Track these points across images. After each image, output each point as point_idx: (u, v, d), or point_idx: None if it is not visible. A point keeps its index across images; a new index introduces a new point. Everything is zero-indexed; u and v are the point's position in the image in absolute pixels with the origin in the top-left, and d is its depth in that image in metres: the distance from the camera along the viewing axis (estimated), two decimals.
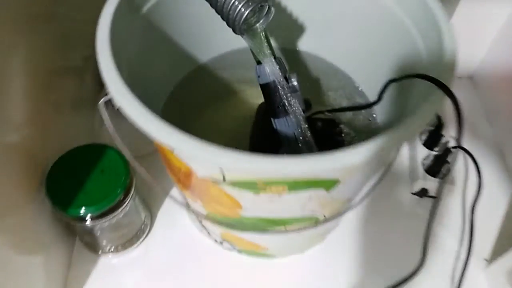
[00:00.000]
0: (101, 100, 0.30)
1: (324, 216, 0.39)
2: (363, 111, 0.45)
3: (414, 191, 0.54)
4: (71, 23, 0.51)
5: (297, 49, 0.51)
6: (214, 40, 0.49)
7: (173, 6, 0.41)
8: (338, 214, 0.41)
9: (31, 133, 0.41)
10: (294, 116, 0.39)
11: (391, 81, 0.35)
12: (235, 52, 0.51)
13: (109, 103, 0.31)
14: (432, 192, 0.53)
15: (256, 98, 0.50)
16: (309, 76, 0.51)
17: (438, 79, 0.30)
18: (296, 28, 0.49)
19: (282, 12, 0.47)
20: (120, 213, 0.42)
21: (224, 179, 0.31)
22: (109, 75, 0.30)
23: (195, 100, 0.49)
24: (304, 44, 0.51)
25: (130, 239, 0.47)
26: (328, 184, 0.32)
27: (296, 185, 0.31)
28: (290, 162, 0.26)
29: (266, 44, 0.37)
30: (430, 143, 0.55)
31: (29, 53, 0.41)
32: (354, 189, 0.38)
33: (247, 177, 0.30)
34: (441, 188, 0.37)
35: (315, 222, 0.40)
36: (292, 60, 0.51)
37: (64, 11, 0.48)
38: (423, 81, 0.33)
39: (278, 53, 0.48)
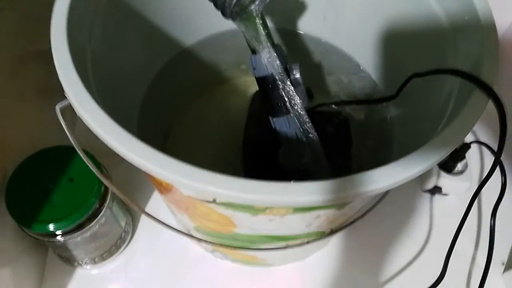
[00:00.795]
0: (58, 106, 0.23)
1: (331, 229, 0.34)
2: (375, 106, 0.39)
3: (426, 189, 0.49)
4: (38, 4, 0.43)
5: (298, 31, 0.45)
6: (197, 21, 0.42)
7: None
8: (345, 226, 0.35)
9: None
10: (296, 115, 0.33)
11: (416, 75, 0.29)
12: (223, 34, 0.44)
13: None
14: (445, 189, 0.48)
15: (250, 86, 0.44)
16: (311, 62, 0.45)
17: (480, 78, 0.24)
18: (296, 7, 0.43)
19: None
20: (94, 225, 0.36)
21: (214, 201, 0.25)
22: (66, 76, 0.23)
23: (179, 91, 0.43)
24: (306, 25, 0.44)
25: (108, 249, 0.42)
26: (340, 205, 0.27)
27: (302, 208, 0.26)
28: (298, 192, 0.20)
29: (262, 30, 0.30)
30: None
31: None
32: (368, 202, 0.33)
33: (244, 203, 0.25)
34: (469, 206, 0.32)
35: (320, 235, 0.34)
36: (291, 43, 0.45)
37: None
38: (454, 80, 0.27)
39: (275, 36, 0.42)
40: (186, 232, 0.36)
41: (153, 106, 0.40)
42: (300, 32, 0.45)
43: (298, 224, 0.29)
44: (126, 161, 0.21)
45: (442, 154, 0.22)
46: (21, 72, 0.42)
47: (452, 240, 0.34)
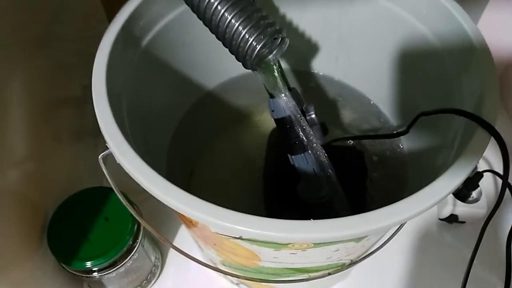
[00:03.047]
0: (100, 155, 0.26)
1: (351, 261, 0.36)
2: (388, 141, 0.41)
3: (442, 217, 0.50)
4: (68, 51, 0.47)
5: (311, 71, 0.48)
6: (218, 66, 0.45)
7: (174, 36, 0.38)
8: (365, 257, 0.37)
9: (30, 173, 0.38)
10: (313, 152, 0.36)
11: (423, 114, 0.31)
12: (242, 77, 0.47)
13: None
14: (461, 217, 0.49)
15: (267, 123, 0.47)
16: (325, 99, 0.47)
17: (480, 116, 0.27)
18: (309, 49, 0.46)
19: (294, 32, 0.43)
20: (128, 261, 0.39)
21: (241, 237, 0.28)
22: (108, 129, 0.26)
23: (203, 131, 0.46)
24: (318, 65, 0.47)
25: (140, 283, 0.44)
26: (358, 238, 0.29)
27: (322, 243, 0.28)
28: (318, 230, 0.23)
29: (280, 77, 0.33)
30: None
31: (25, 83, 0.38)
32: (385, 234, 0.35)
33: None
34: (481, 235, 0.33)
35: (341, 267, 0.36)
36: (305, 82, 0.48)
37: (60, 38, 0.45)
38: (461, 120, 0.29)
39: (290, 77, 0.44)
40: (213, 266, 0.38)
41: (180, 147, 0.43)
42: (314, 72, 0.48)
43: (319, 257, 0.31)
44: (154, 198, 0.24)
45: (450, 190, 0.24)
46: (56, 116, 0.46)
47: (468, 267, 0.35)
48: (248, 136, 0.48)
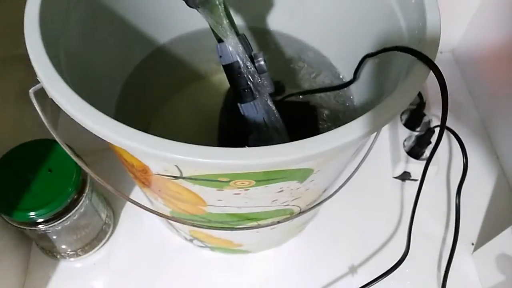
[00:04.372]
0: (31, 89, 0.25)
1: (299, 208, 0.36)
2: (339, 93, 0.41)
3: (396, 175, 0.51)
4: (15, 7, 0.45)
5: (266, 28, 0.47)
6: (170, 19, 0.44)
7: None
8: (314, 206, 0.37)
9: None
10: (262, 100, 0.35)
11: (368, 56, 0.31)
12: (198, 32, 0.46)
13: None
14: (414, 175, 0.50)
15: (225, 82, 0.46)
16: (281, 57, 0.47)
17: (420, 51, 0.27)
18: (264, 4, 0.45)
19: None
20: (74, 214, 0.38)
21: (181, 175, 0.27)
22: (38, 60, 0.25)
23: (155, 89, 0.44)
24: (274, 23, 0.47)
25: (90, 241, 0.43)
26: (301, 175, 0.29)
27: (264, 179, 0.28)
28: (250, 155, 0.22)
29: (226, 18, 0.32)
30: (411, 124, 0.51)
31: None
32: (331, 178, 0.35)
33: (207, 172, 0.26)
34: (425, 171, 0.34)
35: (290, 214, 0.36)
36: (261, 40, 0.47)
37: None
38: (403, 58, 0.29)
39: (246, 34, 0.44)
40: (165, 214, 0.37)
41: (129, 104, 0.42)
42: (270, 29, 0.47)
43: (263, 200, 0.31)
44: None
45: (383, 121, 0.24)
46: (2, 75, 0.44)
47: (412, 212, 0.36)
48: (204, 95, 0.47)
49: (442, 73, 0.26)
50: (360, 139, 0.24)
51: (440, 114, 0.27)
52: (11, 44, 0.46)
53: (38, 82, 0.25)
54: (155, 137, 0.23)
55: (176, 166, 0.26)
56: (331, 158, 0.28)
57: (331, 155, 0.27)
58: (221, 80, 0.46)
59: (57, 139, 0.29)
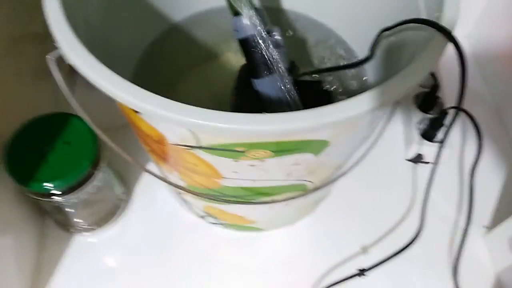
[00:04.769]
0: (50, 55, 0.25)
1: (313, 183, 0.36)
2: (354, 72, 0.41)
3: (409, 157, 0.51)
4: None
5: (280, 7, 0.47)
6: None
7: None
8: (328, 182, 0.37)
9: None
10: (278, 75, 0.35)
11: (385, 29, 0.31)
12: (212, 11, 0.46)
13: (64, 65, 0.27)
14: (428, 157, 0.50)
15: (238, 61, 0.46)
16: (295, 36, 0.47)
17: (438, 23, 0.26)
18: None
19: None
20: (89, 187, 0.38)
21: (198, 143, 0.27)
22: (57, 26, 0.25)
23: (169, 65, 0.45)
24: (287, 2, 0.46)
25: (104, 216, 0.44)
26: (316, 147, 0.29)
27: (280, 149, 0.28)
28: (268, 121, 0.22)
29: None
30: (425, 106, 0.51)
31: None
32: (345, 153, 0.35)
33: (224, 141, 0.26)
34: (439, 153, 0.34)
35: (304, 190, 0.36)
36: (275, 19, 0.47)
37: None
38: (420, 35, 0.29)
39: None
40: (180, 186, 0.38)
41: (143, 80, 0.42)
42: (284, 8, 0.47)
43: (278, 172, 0.31)
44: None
45: (402, 90, 0.24)
46: (17, 52, 0.44)
47: (425, 193, 0.36)
48: (218, 74, 0.47)
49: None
50: (378, 108, 0.24)
51: (454, 97, 0.27)
52: (23, 22, 0.46)
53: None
54: (176, 102, 0.23)
55: (193, 133, 0.26)
56: (347, 129, 0.28)
57: (348, 125, 0.27)
58: (234, 59, 0.47)
59: (75, 108, 0.30)
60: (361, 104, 0.23)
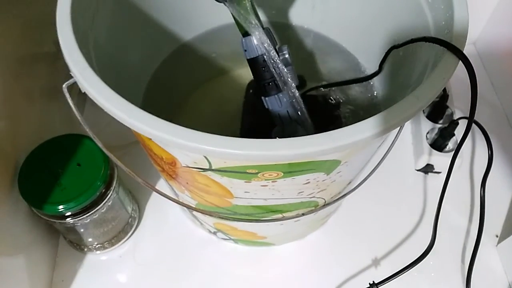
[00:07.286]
0: (65, 84, 0.26)
1: (324, 200, 0.36)
2: (363, 87, 0.41)
3: (418, 168, 0.50)
4: (40, 6, 0.46)
5: (288, 23, 0.47)
6: (197, 16, 0.44)
7: None
8: (339, 198, 0.37)
9: (1, 130, 0.37)
10: (287, 93, 0.35)
11: (394, 47, 0.31)
12: (221, 28, 0.47)
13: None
14: (437, 167, 0.49)
15: (247, 77, 0.47)
16: (303, 51, 0.47)
17: (449, 41, 0.27)
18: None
19: None
20: (102, 207, 0.38)
21: (210, 166, 0.28)
22: (71, 55, 0.26)
23: (180, 82, 0.45)
24: (295, 17, 0.47)
25: (117, 234, 0.44)
26: (328, 167, 0.29)
27: (292, 170, 0.28)
28: (280, 146, 0.23)
29: (252, 12, 0.33)
30: (434, 116, 0.51)
31: None
32: (356, 170, 0.35)
33: (236, 164, 0.27)
34: (452, 163, 0.33)
35: (315, 207, 0.36)
36: (283, 35, 0.47)
37: None
38: (429, 51, 0.29)
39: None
40: (191, 205, 0.38)
41: (155, 98, 0.42)
42: (292, 24, 0.47)
43: (290, 191, 0.31)
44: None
45: (415, 109, 0.24)
46: (27, 73, 0.45)
47: (438, 204, 0.36)
48: (226, 90, 0.47)
49: None
50: (390, 129, 0.24)
51: (463, 106, 0.27)
52: (35, 43, 0.47)
53: (67, 78, 0.26)
54: (188, 129, 0.23)
55: (205, 158, 0.26)
56: (359, 149, 0.28)
57: (360, 146, 0.27)
58: (242, 75, 0.47)
59: (88, 131, 0.30)
60: (373, 126, 0.24)
